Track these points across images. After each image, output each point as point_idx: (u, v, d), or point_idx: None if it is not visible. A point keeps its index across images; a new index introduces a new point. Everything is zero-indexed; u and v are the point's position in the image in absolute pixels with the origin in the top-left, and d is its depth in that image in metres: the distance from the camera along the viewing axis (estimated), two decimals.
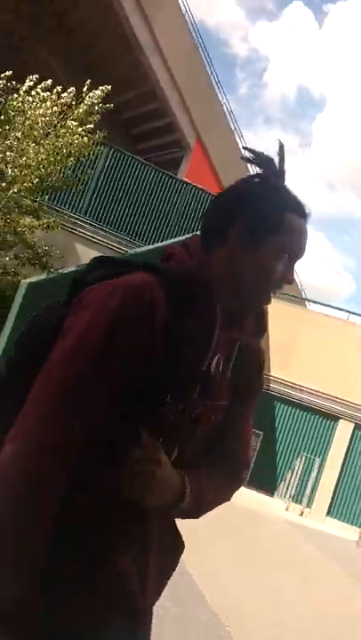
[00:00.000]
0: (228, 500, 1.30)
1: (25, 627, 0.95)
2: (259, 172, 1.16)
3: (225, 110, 22.85)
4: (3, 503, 0.95)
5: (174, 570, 1.23)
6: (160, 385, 1.03)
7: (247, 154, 1.17)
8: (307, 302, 22.78)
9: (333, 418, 15.25)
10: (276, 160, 1.15)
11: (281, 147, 1.16)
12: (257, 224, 1.09)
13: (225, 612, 4.32)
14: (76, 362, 0.99)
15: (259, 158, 1.16)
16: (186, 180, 16.93)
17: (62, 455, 0.98)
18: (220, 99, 22.51)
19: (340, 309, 17.69)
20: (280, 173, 1.15)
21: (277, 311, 16.95)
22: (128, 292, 1.01)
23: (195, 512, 1.16)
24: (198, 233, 1.19)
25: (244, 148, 1.22)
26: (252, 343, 1.24)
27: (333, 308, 17.84)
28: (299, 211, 1.13)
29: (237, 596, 4.89)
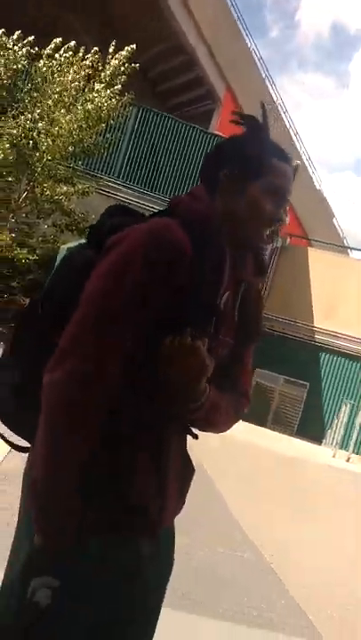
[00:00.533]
0: (229, 427, 1.39)
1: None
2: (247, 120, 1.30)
3: (255, 57, 22.19)
4: (48, 430, 1.06)
5: (187, 492, 1.36)
6: (182, 317, 1.12)
7: (234, 117, 1.32)
8: (349, 250, 22.39)
9: None
10: (261, 117, 1.30)
11: (262, 106, 1.32)
12: (243, 168, 1.23)
13: (269, 552, 4.54)
14: (113, 294, 1.09)
15: (243, 118, 1.30)
16: (218, 132, 16.67)
17: (104, 383, 1.07)
18: (249, 45, 21.85)
19: None
20: (262, 127, 1.29)
21: (319, 260, 16.79)
22: (159, 232, 1.11)
23: (203, 422, 1.27)
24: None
25: (232, 112, 1.36)
26: (253, 284, 1.36)
27: None
28: (280, 155, 1.26)
29: (283, 537, 5.10)
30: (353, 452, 14.20)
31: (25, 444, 1.28)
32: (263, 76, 22.43)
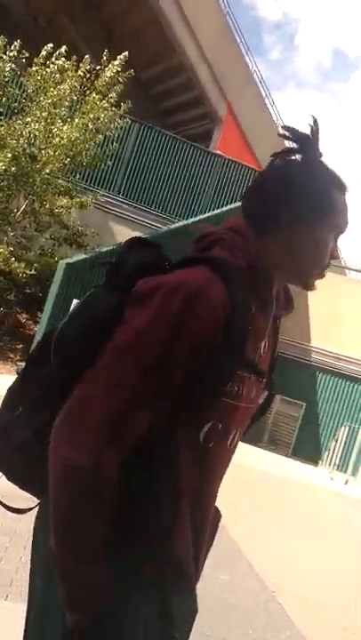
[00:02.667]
0: None
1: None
2: (294, 148, 1.15)
3: (255, 78, 22.39)
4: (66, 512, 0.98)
5: (214, 540, 1.29)
6: (220, 375, 1.05)
7: (283, 131, 1.17)
8: (346, 271, 22.40)
9: None
10: (312, 136, 1.14)
11: (315, 121, 1.14)
12: (311, 205, 1.10)
13: (273, 579, 4.38)
14: (133, 363, 0.99)
15: (295, 135, 1.15)
16: (218, 152, 16.74)
17: (120, 445, 0.98)
18: (250, 66, 22.06)
19: None
20: (318, 150, 1.14)
21: (317, 281, 16.72)
22: (191, 297, 0.99)
23: None
24: (236, 216, 1.18)
25: (281, 126, 1.18)
26: (283, 317, 1.29)
27: None
28: (342, 188, 1.14)
29: (284, 564, 4.94)
30: (351, 474, 14.03)
31: (27, 504, 1.23)
32: (263, 95, 22.62)
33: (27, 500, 1.24)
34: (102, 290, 1.12)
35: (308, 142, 1.14)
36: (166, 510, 1.06)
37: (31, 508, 1.24)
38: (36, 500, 1.21)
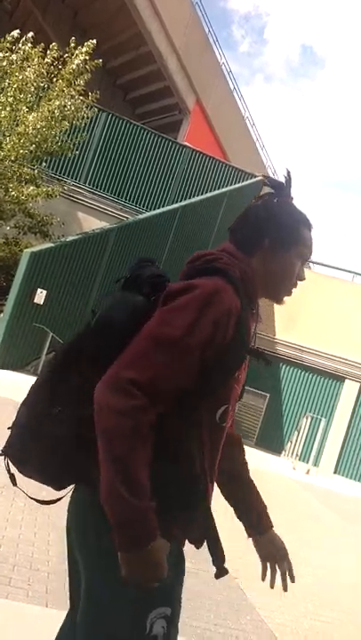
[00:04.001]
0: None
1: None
2: (273, 192, 1.50)
3: (224, 70, 22.40)
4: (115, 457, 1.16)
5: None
6: (236, 362, 1.33)
7: (264, 179, 1.57)
8: (311, 264, 22.69)
9: (339, 378, 15.36)
10: (285, 184, 1.50)
11: (288, 173, 1.49)
12: (285, 237, 1.44)
13: (234, 566, 4.45)
14: (185, 332, 1.23)
15: (273, 183, 1.51)
16: (186, 143, 16.71)
17: (159, 397, 1.21)
18: (219, 58, 22.05)
19: (344, 270, 17.58)
20: (290, 195, 1.49)
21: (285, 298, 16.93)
22: (220, 297, 1.28)
23: None
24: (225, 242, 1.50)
25: (262, 176, 1.59)
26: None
27: (337, 269, 17.73)
28: (309, 226, 1.50)
29: (246, 552, 5.02)
30: (313, 464, 14.30)
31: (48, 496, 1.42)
32: (232, 88, 22.66)
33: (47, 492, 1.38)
34: (129, 293, 1.36)
35: (282, 188, 1.49)
36: (200, 475, 1.32)
37: (60, 499, 1.41)
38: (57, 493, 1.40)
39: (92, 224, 13.03)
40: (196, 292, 1.27)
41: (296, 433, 14.86)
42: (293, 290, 1.50)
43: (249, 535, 1.77)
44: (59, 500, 1.42)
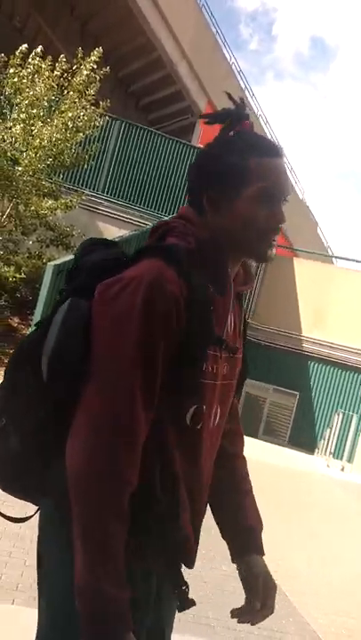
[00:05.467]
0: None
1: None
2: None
3: (234, 70, 22.37)
4: (82, 503, 1.00)
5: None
6: (194, 357, 1.10)
7: (206, 120, 1.24)
8: (334, 259, 22.51)
9: None
10: (232, 112, 1.20)
11: (230, 96, 1.23)
12: (229, 178, 1.13)
13: (272, 568, 4.43)
14: (115, 366, 1.03)
15: (215, 116, 1.22)
16: (200, 146, 16.73)
17: (136, 449, 1.03)
18: (229, 58, 22.03)
19: None
20: (238, 121, 1.18)
21: (304, 270, 16.83)
22: (149, 290, 1.03)
23: None
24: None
25: (200, 116, 1.32)
26: (244, 292, 1.33)
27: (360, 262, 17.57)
28: (267, 152, 1.15)
29: (284, 551, 5.00)
30: (346, 460, 14.15)
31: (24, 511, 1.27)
32: (243, 87, 22.61)
33: (23, 506, 1.27)
34: (65, 297, 1.14)
35: (226, 117, 1.20)
36: (167, 494, 1.10)
37: (31, 516, 1.27)
38: (32, 507, 1.25)
39: (113, 233, 13.12)
40: (120, 294, 1.04)
41: (328, 430, 14.73)
42: (274, 240, 1.18)
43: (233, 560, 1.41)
44: (28, 518, 1.27)
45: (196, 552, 1.21)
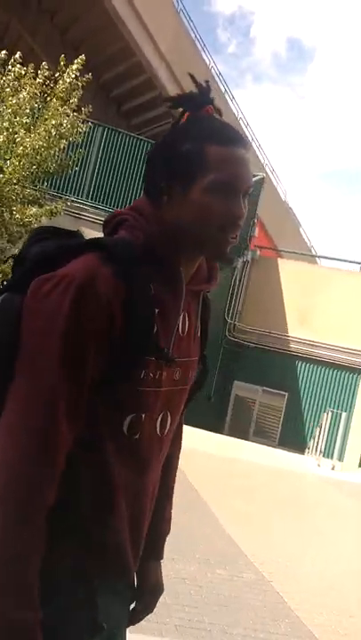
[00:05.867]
0: None
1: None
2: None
3: (213, 73, 22.47)
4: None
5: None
6: (128, 364, 1.01)
7: (169, 104, 1.15)
8: (318, 259, 22.66)
9: (356, 371, 15.29)
10: (193, 96, 1.12)
11: (192, 77, 1.16)
12: (182, 169, 1.03)
13: (268, 569, 4.45)
14: (38, 373, 0.95)
15: (178, 99, 1.13)
16: None
17: (56, 459, 0.96)
18: (208, 62, 22.13)
19: (351, 262, 17.55)
20: (199, 103, 1.10)
21: (289, 271, 16.94)
22: (79, 291, 0.94)
23: None
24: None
25: (163, 99, 1.20)
26: (206, 291, 1.25)
27: (345, 261, 17.72)
28: (227, 140, 1.04)
29: (279, 552, 5.02)
30: (337, 459, 14.23)
31: None
32: (223, 90, 22.70)
33: None
34: (10, 296, 1.04)
35: (185, 101, 1.12)
36: (101, 506, 1.05)
37: None
38: None
39: None
40: (49, 293, 0.95)
41: (318, 429, 14.82)
42: (234, 238, 1.06)
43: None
44: None
45: (133, 563, 1.14)
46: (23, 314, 0.97)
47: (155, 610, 1.34)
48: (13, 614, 0.90)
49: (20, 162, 9.80)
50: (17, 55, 10.25)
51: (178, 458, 1.38)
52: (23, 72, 10.18)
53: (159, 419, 1.11)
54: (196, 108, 1.10)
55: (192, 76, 1.15)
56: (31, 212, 10.16)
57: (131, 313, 0.98)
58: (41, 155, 10.06)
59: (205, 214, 1.03)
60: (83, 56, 10.58)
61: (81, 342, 0.95)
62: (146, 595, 1.30)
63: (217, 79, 22.78)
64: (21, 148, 9.80)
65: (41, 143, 9.94)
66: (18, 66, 10.21)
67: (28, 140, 9.81)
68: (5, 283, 1.10)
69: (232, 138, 1.05)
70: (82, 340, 0.95)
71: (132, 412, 1.05)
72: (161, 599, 1.37)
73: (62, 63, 10.38)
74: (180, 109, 1.14)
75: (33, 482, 0.93)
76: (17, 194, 10.07)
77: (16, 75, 10.16)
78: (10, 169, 9.78)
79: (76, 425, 0.98)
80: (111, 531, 1.06)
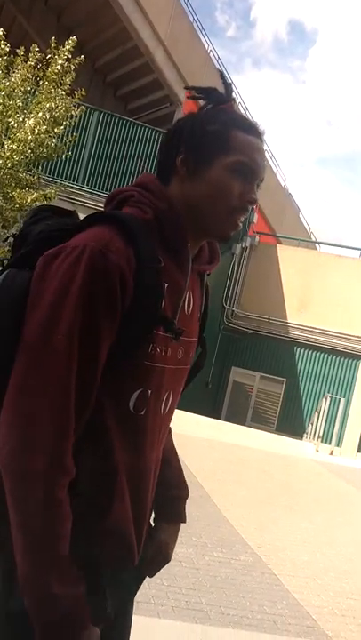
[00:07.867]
0: None
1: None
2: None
3: (212, 58, 22.23)
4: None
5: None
6: (138, 336, 1.01)
7: (192, 92, 1.18)
8: (317, 245, 22.58)
9: (355, 357, 15.28)
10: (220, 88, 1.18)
11: (222, 75, 1.22)
12: (204, 145, 1.07)
13: (265, 552, 4.45)
14: (51, 349, 0.93)
15: (199, 91, 1.17)
16: None
17: (69, 436, 0.95)
18: (206, 46, 21.88)
19: (351, 248, 17.48)
20: (223, 98, 1.15)
21: (288, 257, 16.88)
22: (91, 261, 0.94)
23: None
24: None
25: (185, 87, 1.22)
26: (207, 273, 1.26)
27: (344, 247, 17.64)
28: (247, 128, 1.10)
29: (276, 535, 5.02)
30: (335, 444, 14.26)
31: None
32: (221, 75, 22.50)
33: None
34: (13, 271, 1.03)
35: (210, 93, 1.16)
36: (102, 488, 1.04)
37: None
38: None
39: None
40: (61, 264, 0.95)
41: (316, 415, 14.83)
42: (241, 221, 1.11)
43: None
44: None
45: (137, 544, 1.12)
46: (32, 288, 0.96)
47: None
48: (58, 589, 0.89)
49: (18, 146, 9.70)
50: (0, 32, 10.03)
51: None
52: (13, 54, 10.02)
53: (164, 397, 1.12)
54: (221, 102, 1.15)
55: (221, 73, 1.24)
56: (31, 197, 10.09)
57: (142, 283, 0.98)
58: (38, 139, 9.96)
59: (222, 191, 1.07)
60: (74, 37, 10.42)
61: (93, 318, 0.94)
62: (148, 553, 1.25)
63: (216, 64, 22.54)
64: (22, 132, 9.70)
65: (45, 127, 9.82)
66: (5, 45, 10.05)
67: (28, 123, 9.71)
68: (6, 262, 1.10)
69: (254, 128, 1.11)
70: (94, 315, 0.94)
71: (140, 387, 1.04)
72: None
73: (53, 45, 10.21)
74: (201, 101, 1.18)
75: (51, 452, 0.92)
76: (13, 179, 9.99)
77: (2, 52, 9.99)
78: (8, 153, 9.69)
79: (89, 399, 0.97)
80: (114, 515, 1.05)
